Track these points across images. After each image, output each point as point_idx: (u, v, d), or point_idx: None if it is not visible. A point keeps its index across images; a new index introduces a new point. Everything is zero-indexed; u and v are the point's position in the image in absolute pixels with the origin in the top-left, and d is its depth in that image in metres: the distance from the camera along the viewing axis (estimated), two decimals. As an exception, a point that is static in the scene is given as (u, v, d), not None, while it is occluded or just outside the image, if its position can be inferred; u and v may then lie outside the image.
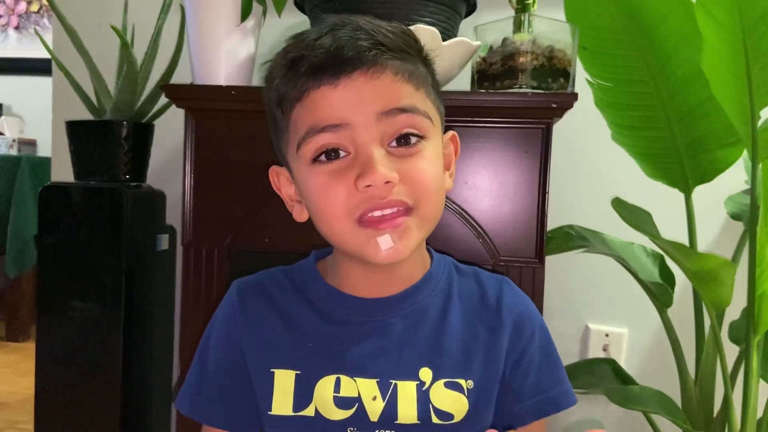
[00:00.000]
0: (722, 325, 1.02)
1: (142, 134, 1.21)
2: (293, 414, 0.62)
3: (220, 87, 1.00)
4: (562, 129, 1.12)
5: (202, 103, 1.00)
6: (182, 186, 1.00)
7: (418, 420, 0.61)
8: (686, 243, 1.02)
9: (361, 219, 0.58)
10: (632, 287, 1.10)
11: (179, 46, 1.21)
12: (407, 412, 0.61)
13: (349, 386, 0.62)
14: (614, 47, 0.99)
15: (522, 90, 0.94)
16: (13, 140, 3.13)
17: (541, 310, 0.95)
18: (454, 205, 0.98)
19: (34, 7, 3.42)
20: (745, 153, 0.99)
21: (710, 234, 1.24)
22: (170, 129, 1.26)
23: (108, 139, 1.16)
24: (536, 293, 0.97)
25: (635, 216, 0.94)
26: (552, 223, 1.14)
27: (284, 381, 0.63)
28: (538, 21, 0.95)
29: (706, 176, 1.01)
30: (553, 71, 0.96)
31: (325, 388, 0.62)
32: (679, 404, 1.03)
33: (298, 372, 0.63)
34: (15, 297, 2.75)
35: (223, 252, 1.02)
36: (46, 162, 2.53)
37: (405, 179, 0.58)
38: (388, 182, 0.57)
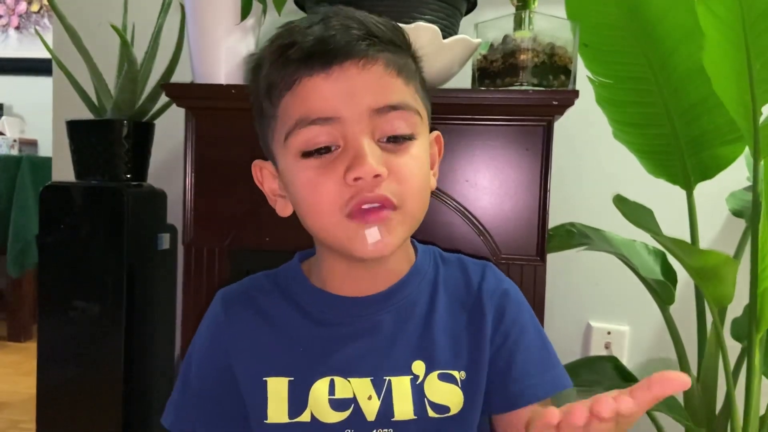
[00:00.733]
0: (724, 322, 1.02)
1: (143, 133, 1.21)
2: (289, 421, 0.61)
3: (220, 86, 1.00)
4: (563, 126, 1.12)
5: (202, 101, 1.00)
6: (183, 185, 1.00)
7: (414, 415, 0.61)
8: (688, 240, 1.02)
9: (350, 213, 0.58)
10: (634, 285, 1.10)
11: (179, 45, 1.21)
12: (403, 408, 0.61)
13: (344, 387, 0.62)
14: (615, 44, 0.99)
15: (523, 87, 0.94)
16: (14, 140, 3.13)
17: (542, 307, 0.95)
18: (456, 203, 0.98)
19: (35, 7, 3.42)
20: (746, 149, 0.98)
21: (712, 231, 1.23)
22: (171, 128, 1.26)
23: (108, 139, 1.16)
24: (537, 291, 0.96)
25: (637, 213, 0.94)
26: (554, 221, 1.13)
27: (278, 388, 0.62)
28: (539, 18, 0.95)
29: (708, 173, 1.01)
30: (554, 68, 0.96)
31: (319, 391, 0.62)
32: (682, 402, 1.03)
33: (291, 378, 0.62)
34: (16, 297, 2.75)
35: (224, 251, 1.02)
36: (47, 162, 2.53)
37: (393, 175, 0.58)
38: (377, 176, 0.56)
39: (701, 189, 1.04)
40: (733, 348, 1.02)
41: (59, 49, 1.31)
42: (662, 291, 1.03)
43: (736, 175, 1.11)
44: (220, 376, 0.65)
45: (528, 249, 0.97)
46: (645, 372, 1.22)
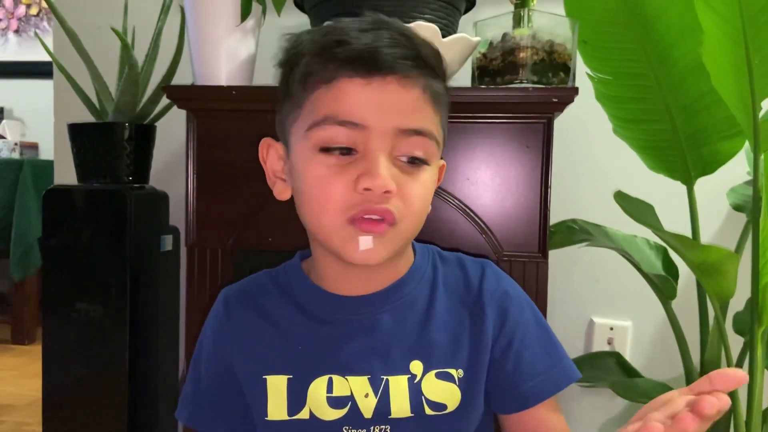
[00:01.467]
0: (726, 316, 1.02)
1: (145, 136, 1.21)
2: (289, 418, 0.62)
3: (221, 87, 1.00)
4: (563, 123, 1.13)
5: (203, 103, 1.01)
6: (185, 187, 1.01)
7: (411, 413, 0.62)
8: (689, 235, 1.02)
9: (352, 218, 0.59)
10: (636, 281, 1.10)
11: (180, 47, 1.22)
12: (400, 406, 0.62)
13: (342, 385, 0.62)
14: (614, 40, 0.99)
15: (523, 85, 0.94)
16: (15, 144, 3.14)
17: (544, 304, 0.96)
18: (457, 201, 0.98)
19: (34, 11, 3.42)
20: (746, 144, 0.99)
21: (713, 226, 1.24)
22: (172, 130, 1.26)
23: (110, 141, 1.17)
24: (540, 288, 0.97)
25: (638, 209, 0.94)
26: (555, 218, 1.14)
27: (277, 386, 0.63)
28: (538, 16, 0.95)
29: (708, 168, 1.01)
30: (553, 66, 0.96)
31: (318, 389, 0.63)
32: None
33: (290, 376, 0.63)
34: (20, 300, 2.76)
35: (226, 252, 1.02)
36: (48, 165, 2.53)
37: (401, 195, 0.59)
38: (387, 191, 0.57)
39: (702, 184, 1.05)
40: (736, 342, 1.02)
41: (59, 52, 1.31)
42: (664, 286, 1.03)
43: (737, 170, 1.12)
44: (225, 374, 0.67)
45: (530, 246, 0.97)
46: (648, 367, 1.22)
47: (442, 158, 0.67)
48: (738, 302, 1.01)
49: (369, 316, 0.65)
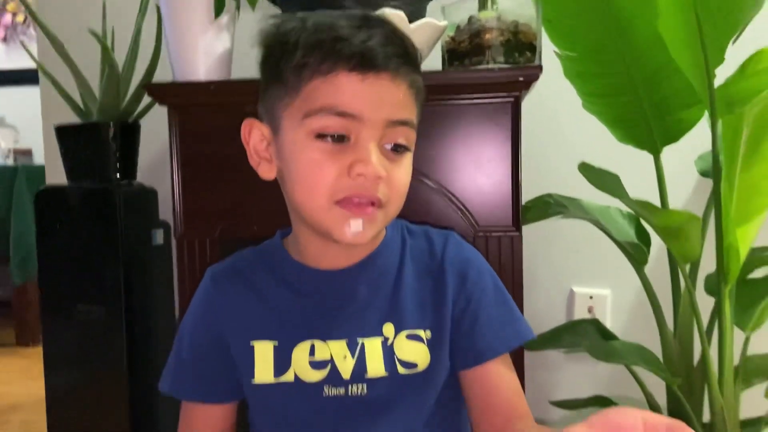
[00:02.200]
0: (696, 279, 1.06)
1: (130, 134, 1.25)
2: (275, 381, 0.68)
3: (199, 83, 1.03)
4: (536, 102, 1.16)
5: (183, 99, 1.04)
6: (170, 180, 1.04)
7: (385, 372, 0.67)
8: (658, 203, 1.06)
9: (341, 201, 0.64)
10: (614, 250, 1.14)
11: (158, 46, 1.24)
12: (375, 366, 0.67)
13: (322, 349, 0.68)
14: (576, 17, 1.02)
15: (489, 66, 0.97)
16: (9, 150, 3.17)
17: (520, 276, 1.00)
18: (433, 182, 1.01)
19: (20, 18, 3.44)
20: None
21: (684, 194, 1.27)
22: (156, 126, 1.29)
23: (96, 141, 1.20)
24: (515, 260, 1.01)
25: (602, 179, 0.98)
26: (534, 193, 1.17)
27: (264, 351, 0.69)
28: (502, -2, 0.98)
29: (673, 137, 1.04)
30: (519, 46, 0.99)
31: (301, 353, 0.68)
32: (661, 357, 1.08)
33: (276, 343, 0.69)
34: (22, 303, 2.80)
35: (215, 242, 1.06)
36: (42, 171, 2.55)
37: (387, 181, 0.65)
38: (378, 177, 0.63)
39: (673, 154, 1.08)
40: (709, 304, 1.06)
41: (44, 57, 1.34)
42: (636, 253, 1.07)
43: (706, 138, 1.15)
44: (212, 343, 0.72)
45: (504, 221, 1.01)
46: (627, 333, 1.26)
47: None
48: (710, 265, 1.04)
49: (346, 286, 0.71)
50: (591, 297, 1.31)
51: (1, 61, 3.46)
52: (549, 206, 1.14)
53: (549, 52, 1.05)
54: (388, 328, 0.68)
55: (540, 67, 0.95)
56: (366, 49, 0.63)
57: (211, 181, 1.05)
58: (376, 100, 0.63)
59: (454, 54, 1.03)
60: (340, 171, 0.63)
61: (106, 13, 1.29)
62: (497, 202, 1.01)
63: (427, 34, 0.99)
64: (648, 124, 1.04)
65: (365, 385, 0.67)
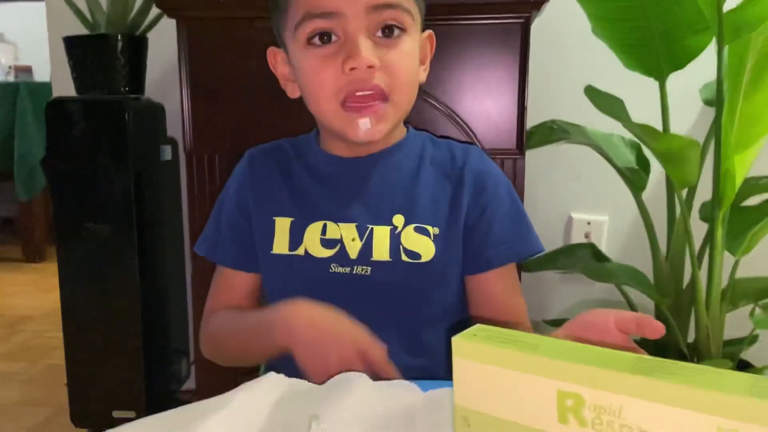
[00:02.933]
0: (692, 206, 1.09)
1: (137, 47, 1.25)
2: (288, 253, 0.73)
3: (209, -5, 1.03)
4: (545, 25, 1.15)
5: (192, 12, 1.03)
6: (179, 96, 1.05)
7: (389, 258, 0.71)
8: (660, 128, 1.08)
9: (345, 102, 0.66)
10: (613, 178, 1.16)
11: (166, -43, 1.22)
12: (381, 251, 0.71)
13: (333, 230, 0.72)
14: (591, -63, 1.01)
15: (500, -16, 0.97)
16: (9, 67, 3.14)
17: (522, 199, 1.02)
18: (439, 102, 1.03)
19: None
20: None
21: (687, 122, 1.28)
22: (163, 41, 1.29)
23: (105, 53, 1.20)
24: (518, 183, 1.03)
25: (607, 102, 0.99)
26: (539, 119, 1.19)
27: (282, 226, 0.74)
28: None
29: (679, 63, 1.05)
30: (531, -35, 0.98)
31: (313, 231, 0.73)
32: (652, 279, 1.12)
33: (293, 219, 0.74)
34: (28, 220, 2.85)
35: (223, 157, 1.08)
36: (44, 87, 2.56)
37: (384, 68, 0.66)
38: (370, 66, 0.64)
39: (678, 82, 1.09)
40: (703, 229, 1.09)
41: (48, -34, 1.32)
42: (635, 178, 1.10)
43: (713, 67, 1.15)
44: (243, 216, 0.78)
45: (508, 143, 1.03)
46: (622, 257, 1.31)
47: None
48: (706, 194, 1.07)
49: (361, 173, 0.75)
50: (588, 223, 1.35)
51: (-2, -26, 3.38)
52: (553, 132, 1.16)
53: (561, -25, 1.04)
54: (398, 219, 0.72)
55: (551, -11, 0.95)
56: None
57: (220, 96, 1.06)
58: None
59: (465, -28, 1.02)
60: (335, 71, 0.65)
61: None
62: (502, 125, 1.03)
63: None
64: (656, 50, 1.05)
65: (369, 268, 0.70)
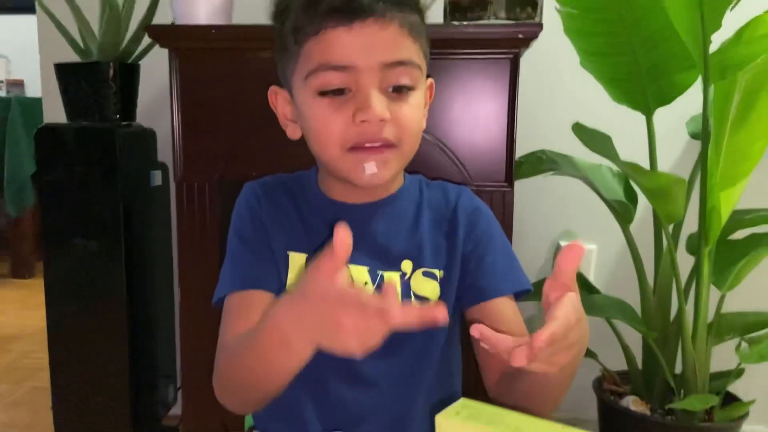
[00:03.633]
0: (678, 239, 1.10)
1: (129, 74, 1.25)
2: None
3: (200, 26, 1.03)
4: (536, 58, 1.16)
5: (184, 42, 1.04)
6: (170, 123, 1.05)
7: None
8: (647, 162, 1.09)
9: (352, 148, 0.67)
10: (601, 208, 1.17)
11: (158, -14, 1.23)
12: None
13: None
14: (579, -25, 1.03)
15: (489, 21, 0.98)
16: (1, 81, 3.13)
17: (510, 230, 1.03)
18: (431, 136, 1.03)
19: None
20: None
21: (673, 155, 1.30)
22: (156, 68, 1.29)
23: (97, 80, 1.20)
24: (506, 215, 1.04)
25: (594, 139, 1.00)
26: (527, 149, 1.20)
27: (297, 261, 0.74)
28: (506, -48, 0.98)
29: (666, 98, 1.06)
30: (521, 1, 1.00)
31: None
32: (639, 313, 1.13)
33: (308, 255, 0.74)
34: (17, 235, 2.82)
35: (213, 185, 1.08)
36: (35, 102, 2.54)
37: (394, 120, 0.67)
38: (382, 120, 0.66)
39: (665, 116, 1.10)
40: (690, 263, 1.10)
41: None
42: (623, 211, 1.11)
43: (697, 101, 1.17)
44: (261, 238, 0.75)
45: (497, 176, 1.04)
46: (610, 287, 1.31)
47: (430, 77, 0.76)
48: (693, 226, 1.08)
49: (368, 220, 0.75)
50: (577, 252, 1.35)
51: (-10, -12, 3.37)
52: (541, 162, 1.17)
53: (550, 8, 1.06)
54: (407, 265, 0.73)
55: (540, 25, 0.96)
56: (346, 1, 0.65)
57: (211, 125, 1.07)
58: (366, 46, 0.65)
59: (456, 7, 1.03)
60: (345, 121, 0.66)
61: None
62: (491, 158, 1.03)
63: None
64: (643, 85, 1.06)
65: None
